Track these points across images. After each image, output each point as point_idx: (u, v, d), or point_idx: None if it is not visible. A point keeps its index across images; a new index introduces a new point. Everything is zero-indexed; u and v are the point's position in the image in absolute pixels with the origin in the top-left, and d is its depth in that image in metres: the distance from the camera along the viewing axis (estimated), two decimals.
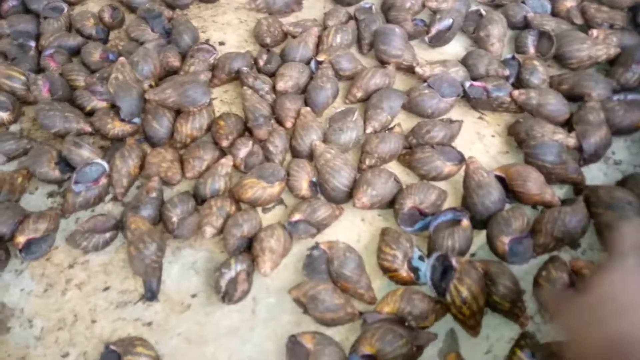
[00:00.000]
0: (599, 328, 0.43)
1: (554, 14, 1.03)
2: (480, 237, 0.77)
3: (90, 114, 0.87)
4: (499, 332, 0.69)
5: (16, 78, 0.88)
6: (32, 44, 0.95)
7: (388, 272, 0.73)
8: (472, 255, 0.75)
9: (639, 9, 0.95)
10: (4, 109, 0.86)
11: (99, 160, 0.80)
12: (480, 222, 0.76)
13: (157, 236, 0.71)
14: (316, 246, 0.74)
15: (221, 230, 0.75)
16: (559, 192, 0.83)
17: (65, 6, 1.01)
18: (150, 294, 0.71)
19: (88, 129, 0.84)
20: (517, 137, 0.86)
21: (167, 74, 0.92)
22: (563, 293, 0.51)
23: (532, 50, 0.97)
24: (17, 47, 0.94)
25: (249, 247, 0.75)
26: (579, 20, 1.00)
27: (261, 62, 0.95)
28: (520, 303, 0.68)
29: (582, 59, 0.93)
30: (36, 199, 0.82)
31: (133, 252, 0.70)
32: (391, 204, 0.79)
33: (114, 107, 0.86)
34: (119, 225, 0.77)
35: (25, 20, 0.98)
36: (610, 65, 0.94)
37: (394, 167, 0.85)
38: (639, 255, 0.47)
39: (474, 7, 1.02)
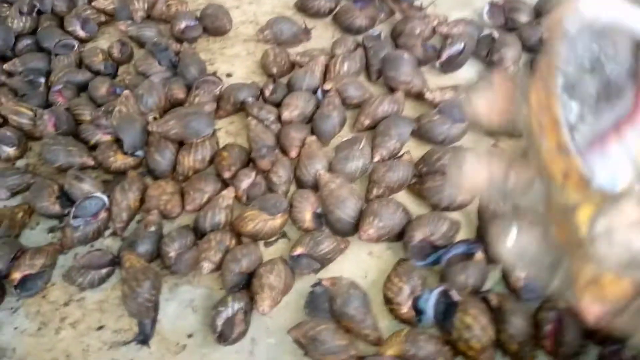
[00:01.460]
0: None
1: None
2: (497, 271, 0.71)
3: (94, 147, 0.86)
4: None
5: (24, 114, 0.88)
6: (42, 80, 0.96)
7: (389, 303, 0.68)
8: (487, 291, 0.69)
9: None
10: (10, 144, 0.86)
11: (99, 194, 0.78)
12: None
13: (151, 274, 0.69)
14: (318, 282, 0.70)
15: (220, 266, 0.72)
16: None
17: (76, 43, 1.02)
18: (143, 337, 0.68)
19: (90, 162, 0.83)
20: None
21: (172, 106, 0.91)
22: None
23: None
24: (27, 84, 0.95)
25: (248, 284, 0.71)
26: None
27: (267, 93, 0.93)
28: (530, 347, 0.62)
29: None
30: (37, 235, 0.80)
31: (126, 292, 0.67)
32: (400, 236, 0.75)
33: (118, 141, 0.85)
34: (116, 261, 0.74)
35: (37, 58, 1.00)
36: None
37: (403, 197, 0.81)
38: None
39: (486, 31, 0.99)
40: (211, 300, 0.72)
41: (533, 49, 0.98)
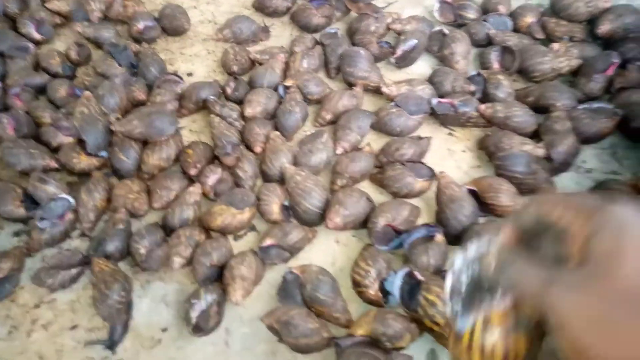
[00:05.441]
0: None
1: (516, 30, 1.05)
2: (456, 251, 0.76)
3: (56, 150, 0.86)
4: None
5: None
6: None
7: (357, 286, 0.71)
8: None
9: (596, 22, 0.97)
10: None
11: (64, 195, 0.78)
12: (455, 236, 0.75)
13: (120, 276, 0.69)
14: (289, 271, 0.72)
15: (191, 261, 0.73)
16: None
17: (31, 45, 1.01)
18: (110, 342, 0.68)
19: (54, 164, 0.83)
20: (487, 151, 0.87)
21: (133, 106, 0.92)
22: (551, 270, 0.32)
23: (496, 65, 0.99)
24: None
25: (220, 276, 0.73)
26: (540, 35, 1.02)
27: (229, 90, 0.95)
28: None
29: (545, 71, 0.94)
30: (2, 239, 0.79)
31: (97, 295, 0.68)
32: (365, 223, 0.78)
33: (81, 142, 0.85)
34: (86, 261, 0.74)
35: None
36: (574, 77, 0.96)
37: (366, 186, 0.85)
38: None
39: (437, 28, 1.04)
40: (183, 295, 0.73)
41: (480, 44, 1.04)
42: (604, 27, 0.96)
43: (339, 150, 0.86)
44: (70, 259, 0.73)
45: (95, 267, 0.71)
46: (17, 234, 0.80)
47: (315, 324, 0.66)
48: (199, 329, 0.68)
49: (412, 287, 0.69)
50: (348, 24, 1.08)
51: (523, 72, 0.97)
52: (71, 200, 0.78)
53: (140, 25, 1.05)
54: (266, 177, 0.84)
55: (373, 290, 0.70)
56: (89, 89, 0.91)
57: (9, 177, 0.84)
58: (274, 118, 0.90)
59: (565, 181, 0.85)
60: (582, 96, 0.92)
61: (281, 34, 1.10)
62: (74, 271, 0.73)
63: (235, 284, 0.69)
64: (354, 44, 1.03)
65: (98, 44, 1.04)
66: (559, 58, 0.94)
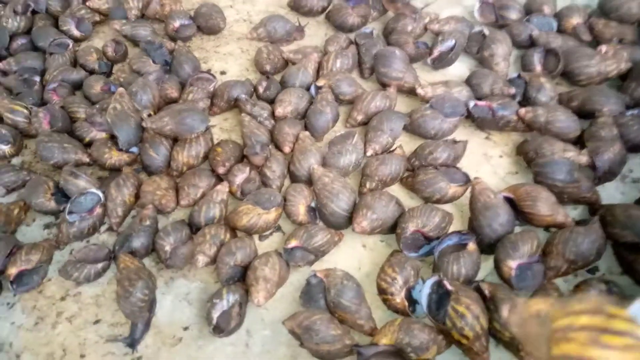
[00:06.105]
0: None
1: (560, 31, 1.00)
2: (490, 262, 0.72)
3: (89, 145, 0.87)
4: None
5: (19, 111, 0.89)
6: (37, 78, 0.97)
7: (383, 294, 0.68)
8: (480, 281, 0.70)
9: None
10: (6, 142, 0.87)
11: (94, 190, 0.79)
12: (488, 245, 0.72)
13: (145, 274, 0.69)
14: (313, 274, 0.70)
15: (215, 259, 0.72)
16: (573, 212, 0.78)
17: (70, 42, 1.03)
18: (131, 341, 0.68)
19: (86, 159, 0.84)
20: (525, 157, 0.82)
21: (166, 103, 0.92)
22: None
23: (538, 68, 0.94)
24: (22, 83, 0.96)
25: (243, 277, 0.72)
26: (586, 37, 0.97)
27: (261, 89, 0.94)
28: None
29: (592, 75, 0.89)
30: (33, 231, 0.81)
31: (120, 292, 0.68)
32: (393, 228, 0.76)
33: (113, 138, 0.86)
34: (112, 256, 0.75)
35: (32, 57, 1.00)
36: (622, 81, 0.90)
37: (396, 190, 0.82)
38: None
39: (477, 28, 1.00)
40: (206, 293, 0.72)
41: (522, 46, 1.00)
42: None
43: (370, 152, 0.83)
44: (96, 254, 0.74)
45: (120, 263, 0.71)
46: (47, 226, 0.81)
47: (337, 330, 0.64)
48: (220, 329, 0.67)
49: (440, 297, 0.66)
50: (384, 24, 1.05)
51: (567, 75, 0.93)
52: (101, 195, 0.79)
53: (176, 23, 1.06)
54: (294, 178, 0.82)
55: (399, 298, 0.67)
56: (123, 86, 0.92)
57: (43, 170, 0.86)
58: (304, 118, 0.89)
59: (610, 191, 0.80)
60: (631, 102, 0.86)
61: (316, 33, 1.09)
62: (99, 266, 0.73)
63: (258, 285, 0.68)
64: (389, 44, 1.00)
65: (135, 42, 1.05)
66: (607, 61, 0.89)
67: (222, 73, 1.02)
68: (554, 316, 0.41)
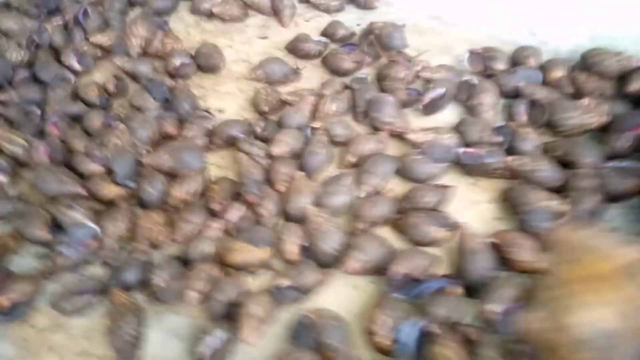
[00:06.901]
0: None
1: (545, 83, 1.05)
2: (475, 305, 0.74)
3: (87, 177, 0.88)
4: None
5: (18, 143, 0.91)
6: (38, 111, 0.98)
7: (371, 335, 0.70)
8: (467, 325, 0.72)
9: (627, 79, 0.97)
10: (3, 172, 0.88)
11: (89, 223, 0.80)
12: (474, 289, 0.74)
13: (137, 310, 0.70)
14: (304, 315, 0.71)
15: (206, 296, 0.73)
16: None
17: (72, 76, 1.06)
18: None
19: (83, 192, 0.85)
20: (511, 203, 0.85)
21: (164, 140, 0.94)
22: None
23: (524, 118, 0.98)
24: (22, 114, 0.97)
25: (234, 314, 0.72)
26: (569, 89, 1.02)
27: (258, 129, 0.97)
28: None
29: (574, 126, 0.93)
30: (24, 261, 0.81)
31: (111, 326, 0.68)
32: (383, 270, 0.77)
33: (110, 172, 0.87)
34: (104, 289, 0.75)
35: (34, 90, 1.02)
36: (602, 133, 0.95)
37: (386, 232, 0.84)
38: None
39: (465, 77, 1.05)
40: (197, 329, 0.73)
41: (508, 95, 1.04)
42: (635, 86, 0.95)
43: (362, 194, 0.86)
44: (88, 285, 0.74)
45: (114, 297, 0.72)
46: (39, 256, 0.81)
47: None
48: None
49: (426, 340, 0.67)
50: (378, 69, 1.10)
51: (551, 126, 0.97)
52: (96, 228, 0.80)
53: (177, 62, 1.09)
54: (288, 217, 0.84)
55: (388, 340, 0.68)
56: (123, 121, 0.95)
57: (40, 202, 0.87)
58: (300, 158, 0.91)
59: None
60: (611, 153, 0.90)
61: (312, 75, 1.12)
62: (91, 298, 0.74)
63: (248, 323, 0.69)
64: (382, 90, 1.04)
65: (135, 78, 1.08)
66: (589, 113, 0.94)
67: (220, 111, 1.05)
68: None
